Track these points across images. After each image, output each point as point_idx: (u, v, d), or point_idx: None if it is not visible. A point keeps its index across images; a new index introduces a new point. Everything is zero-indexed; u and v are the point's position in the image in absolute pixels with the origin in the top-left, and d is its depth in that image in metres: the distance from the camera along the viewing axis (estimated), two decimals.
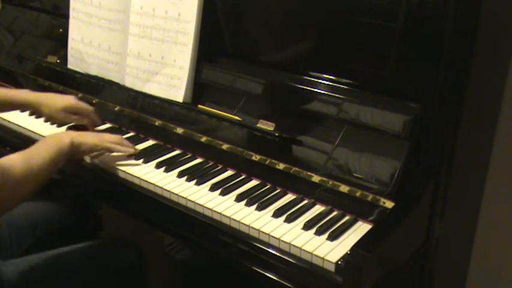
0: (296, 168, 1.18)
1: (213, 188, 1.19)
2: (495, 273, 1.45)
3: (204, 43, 1.35)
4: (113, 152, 1.31)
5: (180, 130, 1.38)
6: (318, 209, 1.14)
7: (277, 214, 1.11)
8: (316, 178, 1.15)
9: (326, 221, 1.08)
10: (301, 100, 1.21)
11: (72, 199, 1.52)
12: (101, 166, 1.31)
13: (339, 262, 0.97)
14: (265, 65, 1.29)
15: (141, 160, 1.31)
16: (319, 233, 1.05)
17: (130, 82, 1.48)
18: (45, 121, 1.53)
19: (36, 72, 1.73)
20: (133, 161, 1.31)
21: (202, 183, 1.22)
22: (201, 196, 1.17)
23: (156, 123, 1.43)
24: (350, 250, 0.96)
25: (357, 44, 1.16)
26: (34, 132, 1.49)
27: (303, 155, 1.18)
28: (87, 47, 1.57)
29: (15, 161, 1.07)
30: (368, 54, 1.15)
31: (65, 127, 1.50)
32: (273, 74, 1.27)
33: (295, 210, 1.12)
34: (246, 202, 1.15)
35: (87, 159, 1.32)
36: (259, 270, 1.05)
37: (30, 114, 1.58)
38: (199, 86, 1.37)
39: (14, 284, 1.18)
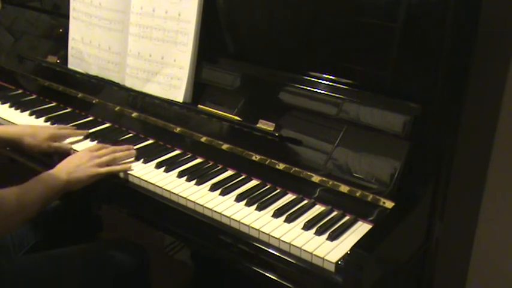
0: (296, 168, 1.18)
1: (213, 188, 1.19)
2: (495, 273, 1.45)
3: (204, 43, 1.35)
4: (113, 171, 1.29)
5: (180, 130, 1.38)
6: (318, 209, 1.14)
7: (277, 214, 1.11)
8: (316, 178, 1.15)
9: (326, 221, 1.08)
10: (301, 100, 1.21)
11: (72, 200, 1.52)
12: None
13: (339, 262, 0.97)
14: (265, 65, 1.29)
15: (141, 160, 1.31)
16: (319, 233, 1.05)
17: (130, 82, 1.48)
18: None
19: (36, 72, 1.73)
20: (133, 161, 1.31)
21: (202, 183, 1.22)
22: (201, 196, 1.17)
23: (156, 123, 1.43)
24: (350, 250, 0.96)
25: (356, 44, 1.16)
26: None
27: (303, 155, 1.18)
28: (87, 47, 1.58)
29: (9, 195, 1.09)
30: (368, 54, 1.15)
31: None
32: (273, 74, 1.27)
33: (295, 210, 1.12)
34: (246, 202, 1.15)
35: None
36: (259, 270, 1.05)
37: (30, 115, 1.59)
38: (199, 86, 1.37)
39: (16, 283, 1.18)
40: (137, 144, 1.40)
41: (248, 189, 1.20)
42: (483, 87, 1.23)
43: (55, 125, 1.50)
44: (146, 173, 1.26)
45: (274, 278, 1.03)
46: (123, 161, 1.31)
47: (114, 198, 1.35)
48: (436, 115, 1.07)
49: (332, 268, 0.97)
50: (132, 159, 1.32)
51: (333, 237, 1.03)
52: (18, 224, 1.15)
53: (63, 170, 1.23)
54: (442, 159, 1.11)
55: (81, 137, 1.44)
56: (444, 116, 1.09)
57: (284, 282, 1.02)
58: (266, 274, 1.04)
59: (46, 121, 1.54)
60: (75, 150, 1.39)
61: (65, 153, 1.40)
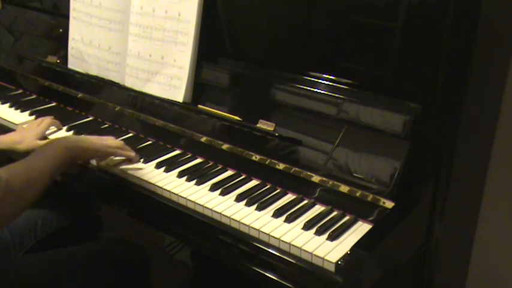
0: (296, 168, 1.18)
1: (213, 188, 1.19)
2: (495, 273, 1.45)
3: (204, 43, 1.35)
4: (115, 156, 1.31)
5: (180, 130, 1.38)
6: (318, 209, 1.14)
7: (277, 214, 1.11)
8: (316, 178, 1.15)
9: (326, 221, 1.08)
10: (301, 100, 1.21)
11: (72, 200, 1.52)
12: (101, 167, 1.31)
13: (339, 262, 0.97)
14: (265, 65, 1.29)
15: (141, 160, 1.31)
16: (319, 233, 1.05)
17: (130, 82, 1.48)
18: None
19: (36, 72, 1.73)
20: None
21: (202, 183, 1.22)
22: (201, 196, 1.17)
23: (156, 123, 1.43)
24: (350, 250, 0.96)
25: (356, 44, 1.16)
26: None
27: (303, 155, 1.18)
28: (87, 47, 1.58)
29: (15, 172, 1.06)
30: (368, 54, 1.15)
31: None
32: (273, 74, 1.27)
33: (295, 210, 1.12)
34: (246, 202, 1.15)
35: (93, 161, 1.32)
36: (259, 270, 1.05)
37: (30, 115, 1.59)
38: (199, 86, 1.37)
39: (16, 283, 1.18)
40: (137, 144, 1.40)
41: (248, 189, 1.20)
42: (483, 87, 1.23)
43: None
44: (146, 173, 1.26)
45: (274, 278, 1.03)
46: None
47: (114, 198, 1.35)
48: (436, 115, 1.07)
49: (332, 268, 0.97)
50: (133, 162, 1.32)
51: (333, 237, 1.03)
52: (29, 202, 1.10)
53: (71, 138, 1.33)
54: (442, 159, 1.11)
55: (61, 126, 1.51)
56: (444, 116, 1.09)
57: (284, 282, 1.02)
58: (266, 274, 1.04)
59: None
60: None
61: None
